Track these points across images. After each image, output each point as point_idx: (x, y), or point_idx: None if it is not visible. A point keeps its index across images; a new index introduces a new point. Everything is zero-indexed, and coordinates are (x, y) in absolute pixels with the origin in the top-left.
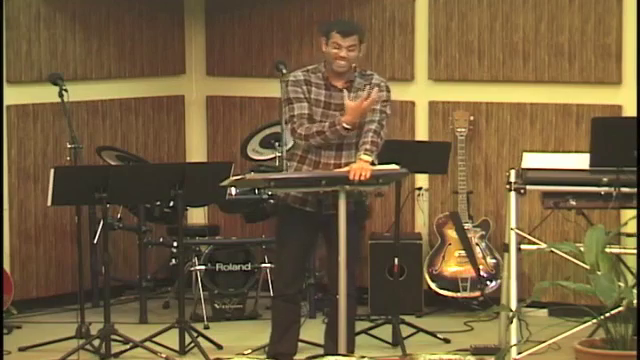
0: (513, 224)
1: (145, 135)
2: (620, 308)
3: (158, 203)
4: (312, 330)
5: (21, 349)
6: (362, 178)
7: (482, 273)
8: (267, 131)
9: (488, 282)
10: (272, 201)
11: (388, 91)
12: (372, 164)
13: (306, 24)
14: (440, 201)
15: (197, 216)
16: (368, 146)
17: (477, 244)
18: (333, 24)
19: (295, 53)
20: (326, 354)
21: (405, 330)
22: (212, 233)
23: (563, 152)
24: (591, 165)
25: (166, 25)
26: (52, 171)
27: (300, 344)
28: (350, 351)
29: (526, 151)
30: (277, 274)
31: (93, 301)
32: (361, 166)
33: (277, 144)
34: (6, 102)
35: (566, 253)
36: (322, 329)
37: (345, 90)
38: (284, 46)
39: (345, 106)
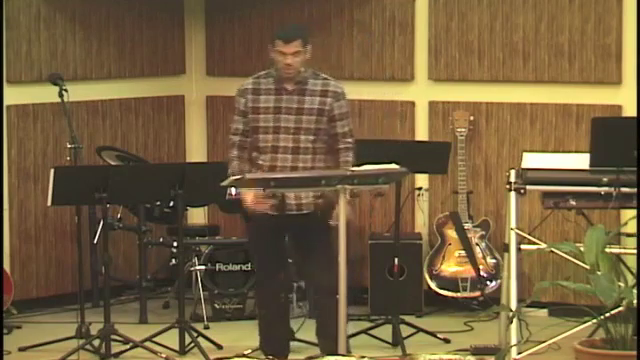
0: (513, 224)
1: (145, 135)
2: (620, 308)
3: (158, 203)
4: (311, 330)
5: (21, 349)
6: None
7: (482, 273)
8: None
9: (488, 282)
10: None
11: (344, 98)
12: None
13: (306, 24)
14: (440, 201)
15: (197, 216)
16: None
17: (477, 244)
18: (276, 31)
19: None
20: (326, 354)
21: (405, 330)
22: (212, 233)
23: (563, 152)
24: (591, 165)
25: (166, 25)
26: (52, 171)
27: (300, 344)
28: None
29: (526, 151)
30: (257, 275)
31: (93, 301)
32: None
33: None
34: (6, 102)
35: (566, 253)
36: None
37: (296, 93)
38: None
39: None
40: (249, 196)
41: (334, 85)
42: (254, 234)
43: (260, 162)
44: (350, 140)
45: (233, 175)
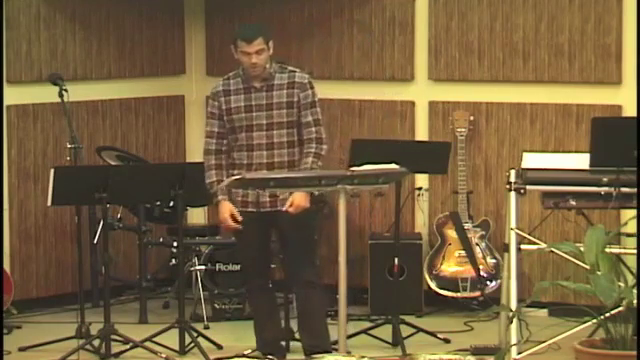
0: (513, 224)
1: (145, 135)
2: (620, 308)
3: (158, 203)
4: None
5: (21, 349)
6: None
7: (482, 273)
8: None
9: (488, 282)
10: None
11: (312, 87)
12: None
13: (306, 24)
14: (440, 201)
15: (197, 216)
16: (309, 165)
17: (477, 244)
18: (237, 31)
19: (295, 53)
20: (308, 349)
21: (405, 330)
22: (212, 233)
23: (563, 152)
24: (591, 165)
25: (166, 25)
26: (52, 171)
27: (300, 344)
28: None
29: (526, 151)
30: (244, 272)
31: (93, 301)
32: (299, 203)
33: None
34: (6, 102)
35: (566, 253)
36: None
37: (264, 89)
38: (284, 46)
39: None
40: (225, 212)
41: (300, 76)
42: (239, 233)
43: (237, 162)
44: (313, 130)
45: (211, 185)
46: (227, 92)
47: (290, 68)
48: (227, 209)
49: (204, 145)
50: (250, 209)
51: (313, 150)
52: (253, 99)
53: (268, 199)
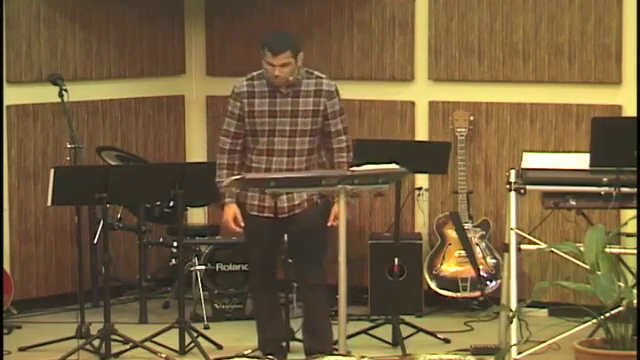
0: (513, 224)
1: (145, 135)
2: (620, 308)
3: (158, 203)
4: None
5: (21, 349)
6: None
7: (482, 273)
8: None
9: (488, 282)
10: None
11: (338, 95)
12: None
13: (306, 24)
14: (440, 201)
15: (197, 216)
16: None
17: (477, 244)
18: (266, 39)
19: None
20: (309, 350)
21: (405, 330)
22: (212, 233)
23: (563, 152)
24: (591, 165)
25: (166, 25)
26: (52, 171)
27: (299, 344)
28: (328, 346)
29: (526, 151)
30: (250, 274)
31: (93, 301)
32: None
33: None
34: (6, 102)
35: (566, 253)
36: None
37: (290, 95)
38: None
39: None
40: (230, 215)
41: (327, 84)
42: (250, 235)
43: (255, 165)
44: (343, 138)
45: (220, 185)
46: (251, 94)
47: (317, 74)
48: (232, 212)
49: (219, 144)
50: (266, 214)
51: (345, 160)
52: (278, 104)
53: (286, 204)
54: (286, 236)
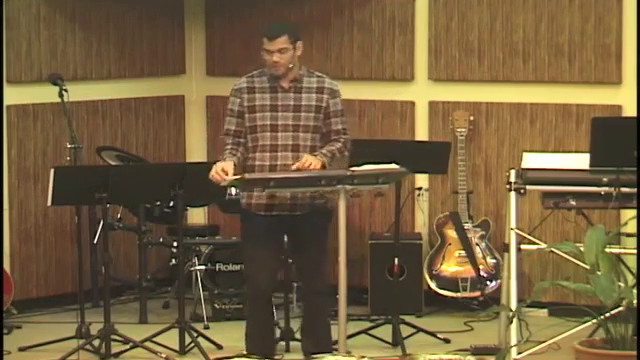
0: (513, 224)
1: (145, 135)
2: (620, 308)
3: (158, 203)
4: None
5: (21, 349)
6: (310, 167)
7: (482, 273)
8: None
9: (488, 282)
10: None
11: (340, 95)
12: (323, 167)
13: (306, 24)
14: (440, 201)
15: (197, 216)
16: (330, 152)
17: (477, 244)
18: (264, 28)
19: None
20: (307, 353)
21: (405, 330)
22: (212, 233)
23: (563, 152)
24: (591, 165)
25: (166, 25)
26: (52, 171)
27: (299, 344)
28: (327, 349)
29: (526, 151)
30: (250, 279)
31: (93, 301)
32: (311, 161)
33: None
34: (6, 102)
35: (566, 253)
36: None
37: (292, 90)
38: None
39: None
40: (221, 164)
41: (329, 82)
42: (249, 234)
43: (258, 163)
44: (342, 138)
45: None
46: (251, 89)
47: (317, 73)
48: (226, 164)
49: (222, 141)
50: (275, 213)
51: (341, 143)
52: (279, 99)
53: (288, 202)
54: (286, 237)
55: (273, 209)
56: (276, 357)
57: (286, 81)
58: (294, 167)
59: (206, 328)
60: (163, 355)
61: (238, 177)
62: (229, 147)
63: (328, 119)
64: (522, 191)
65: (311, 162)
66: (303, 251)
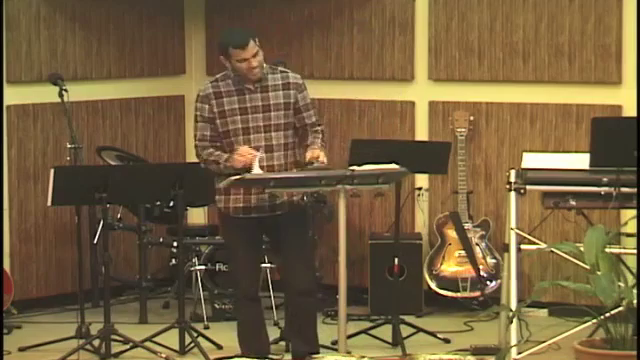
0: (513, 224)
1: (145, 135)
2: (620, 308)
3: (158, 203)
4: None
5: (21, 349)
6: (319, 158)
7: (482, 273)
8: None
9: (488, 282)
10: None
11: (306, 88)
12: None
13: (306, 24)
14: (440, 201)
15: (197, 216)
16: (319, 143)
17: (477, 244)
18: (225, 40)
19: (295, 53)
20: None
21: (405, 330)
22: (212, 233)
23: (563, 152)
24: (591, 165)
25: (166, 25)
26: (52, 171)
27: None
28: (315, 350)
29: (526, 151)
30: (234, 281)
31: (93, 301)
32: (319, 152)
33: None
34: (6, 102)
35: (566, 253)
36: (322, 328)
37: (259, 90)
38: (284, 46)
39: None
40: (245, 149)
41: (293, 76)
42: (230, 237)
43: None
44: (319, 129)
45: (209, 156)
46: (218, 94)
47: (280, 68)
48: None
49: (197, 150)
50: (253, 215)
51: (321, 134)
52: (248, 100)
53: (267, 203)
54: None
55: (251, 212)
56: (276, 357)
57: (251, 82)
58: (307, 158)
59: (206, 328)
60: (163, 355)
61: (238, 177)
62: (214, 151)
63: (300, 114)
64: (522, 191)
65: (319, 154)
66: (286, 250)
